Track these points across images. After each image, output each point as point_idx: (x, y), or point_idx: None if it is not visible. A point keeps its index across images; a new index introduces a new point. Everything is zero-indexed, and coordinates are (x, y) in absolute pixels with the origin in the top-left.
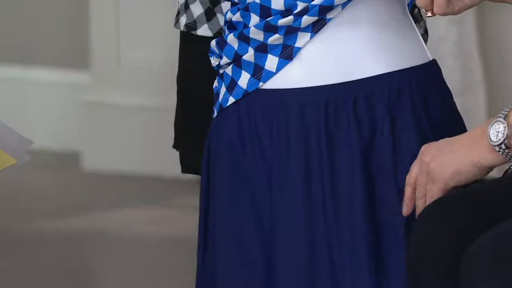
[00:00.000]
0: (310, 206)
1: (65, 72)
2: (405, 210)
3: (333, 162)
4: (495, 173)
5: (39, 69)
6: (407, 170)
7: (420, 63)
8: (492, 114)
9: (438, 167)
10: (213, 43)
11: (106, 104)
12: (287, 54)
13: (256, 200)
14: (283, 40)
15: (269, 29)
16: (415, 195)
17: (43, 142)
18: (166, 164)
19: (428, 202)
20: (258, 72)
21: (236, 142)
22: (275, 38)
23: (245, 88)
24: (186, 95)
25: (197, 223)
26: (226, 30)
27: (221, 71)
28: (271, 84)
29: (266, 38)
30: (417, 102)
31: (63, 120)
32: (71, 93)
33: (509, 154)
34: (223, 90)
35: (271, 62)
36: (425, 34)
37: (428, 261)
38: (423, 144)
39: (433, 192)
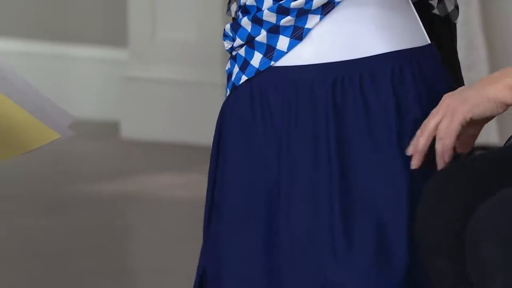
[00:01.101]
0: (317, 177)
1: (105, 49)
2: (416, 161)
3: (340, 132)
4: (497, 141)
5: (82, 46)
6: (410, 137)
7: (420, 45)
8: None
9: (457, 102)
10: (227, 27)
11: (142, 79)
12: (298, 34)
13: (265, 170)
14: (294, 22)
15: (282, 11)
16: (427, 146)
17: (86, 113)
18: (197, 133)
19: (447, 139)
20: (270, 52)
21: (248, 116)
22: (287, 20)
23: (257, 67)
24: None
25: None
26: (240, 14)
27: (234, 53)
28: (282, 62)
29: (278, 20)
30: (418, 79)
31: (104, 93)
32: (111, 68)
33: None
34: (236, 70)
35: (282, 42)
36: (455, 10)
37: (435, 227)
38: (423, 115)
39: (453, 126)
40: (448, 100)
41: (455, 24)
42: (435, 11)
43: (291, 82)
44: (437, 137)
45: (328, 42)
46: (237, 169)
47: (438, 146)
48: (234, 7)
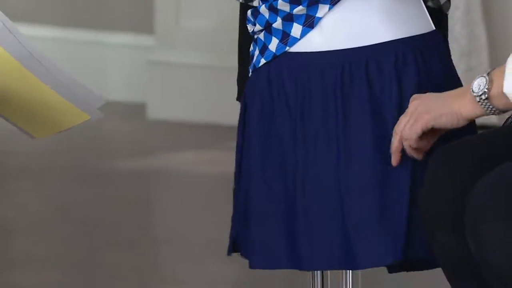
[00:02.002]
0: (327, 147)
1: (133, 36)
2: (394, 160)
3: (347, 113)
4: (496, 121)
5: (112, 33)
6: None
7: (424, 32)
8: None
9: (423, 109)
10: (249, 12)
11: (167, 63)
12: (309, 23)
13: (279, 146)
14: (306, 11)
15: (294, 1)
16: (401, 145)
17: (115, 95)
18: (218, 113)
19: (407, 140)
20: (285, 38)
21: (266, 96)
22: (299, 9)
23: (274, 51)
24: (246, 58)
25: None
26: (260, 1)
27: (255, 36)
28: (296, 48)
29: (291, 9)
30: (421, 66)
31: (132, 77)
32: (138, 54)
33: (488, 105)
34: (256, 53)
35: (296, 29)
36: (447, 2)
37: (438, 203)
38: None
39: (414, 129)
40: (416, 103)
41: (446, 15)
42: (429, 3)
43: (303, 67)
44: (401, 137)
45: (336, 31)
46: (256, 143)
47: (405, 145)
48: None
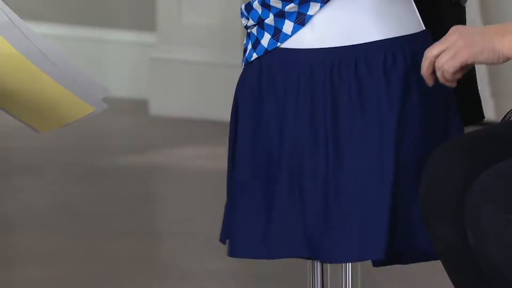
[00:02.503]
0: (315, 144)
1: (136, 33)
2: (430, 81)
3: (335, 110)
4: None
5: (115, 31)
6: (399, 116)
7: (413, 32)
8: (491, 68)
9: (464, 43)
10: (243, 6)
11: (169, 60)
12: (301, 20)
13: (267, 140)
14: (298, 9)
15: None
16: (432, 67)
17: (118, 91)
18: (219, 110)
19: (444, 72)
20: (277, 34)
21: (256, 90)
22: (291, 7)
23: (266, 46)
24: None
25: None
26: None
27: (248, 30)
28: (287, 44)
29: (283, 6)
30: (409, 66)
31: (134, 73)
32: (141, 50)
33: None
34: (249, 47)
35: (287, 26)
36: None
37: (437, 197)
38: (407, 100)
39: (454, 63)
40: (457, 36)
41: (464, 8)
42: None
43: (293, 63)
44: (436, 67)
45: (327, 29)
46: (247, 137)
47: (438, 74)
48: None
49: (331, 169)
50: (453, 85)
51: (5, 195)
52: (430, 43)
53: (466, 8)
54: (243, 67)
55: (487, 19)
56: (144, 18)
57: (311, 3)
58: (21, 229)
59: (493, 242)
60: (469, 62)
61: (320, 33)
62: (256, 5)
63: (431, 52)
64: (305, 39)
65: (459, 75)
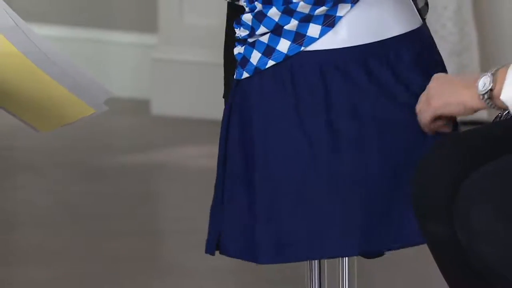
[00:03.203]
0: (362, 157)
1: (137, 35)
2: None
3: (375, 108)
4: (486, 117)
5: (117, 32)
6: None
7: (420, 25)
8: (484, 70)
9: (434, 95)
10: (248, 16)
11: (171, 61)
12: (329, 22)
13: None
14: (326, 11)
15: (318, 2)
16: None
17: (121, 92)
18: (220, 109)
19: (421, 123)
20: (300, 38)
21: (276, 98)
22: (321, 10)
23: (286, 52)
24: (233, 57)
25: None
26: (259, 4)
27: (251, 40)
28: (312, 47)
29: (312, 10)
30: (426, 56)
31: (136, 74)
32: (143, 51)
33: (491, 103)
34: (256, 55)
35: (313, 29)
36: (425, 6)
37: (429, 195)
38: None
39: (425, 115)
40: (432, 86)
41: (424, 20)
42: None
43: (324, 64)
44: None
45: (355, 27)
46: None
47: (421, 125)
48: None
49: (376, 169)
50: (446, 130)
51: (6, 194)
52: (430, 34)
53: (459, 9)
54: (243, 75)
55: (480, 22)
56: (145, 20)
57: (340, 4)
58: (22, 228)
59: (483, 241)
60: (438, 114)
61: (348, 32)
62: (272, 12)
63: (417, 106)
64: (333, 39)
65: (440, 124)
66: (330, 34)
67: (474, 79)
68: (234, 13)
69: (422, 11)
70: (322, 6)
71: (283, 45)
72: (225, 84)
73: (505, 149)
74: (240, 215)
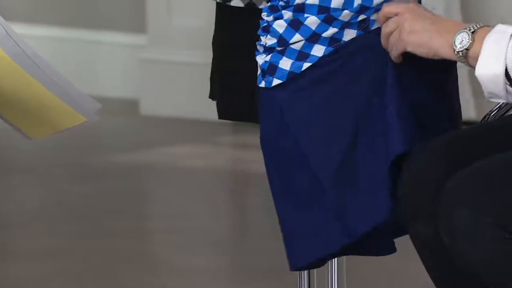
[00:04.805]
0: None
1: (126, 35)
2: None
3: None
4: (474, 117)
5: (106, 33)
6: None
7: None
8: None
9: (408, 31)
10: (280, 23)
11: (160, 61)
12: (364, 27)
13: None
14: (365, 15)
15: (362, 10)
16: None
17: (109, 91)
18: (208, 109)
19: (392, 56)
20: (335, 43)
21: (323, 98)
22: (361, 17)
23: (320, 55)
24: (221, 58)
25: (233, 157)
26: (290, 12)
27: (279, 48)
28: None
29: (354, 18)
30: None
31: (125, 74)
32: (131, 52)
33: (463, 60)
34: (286, 62)
35: (349, 34)
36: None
37: (415, 195)
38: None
39: (396, 48)
40: (406, 17)
41: None
42: None
43: (376, 44)
44: (389, 44)
45: None
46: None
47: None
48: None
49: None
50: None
51: (1, 194)
52: None
53: (447, 10)
54: (273, 83)
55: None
56: (134, 20)
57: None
58: (15, 227)
59: (466, 241)
60: (408, 50)
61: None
62: (311, 21)
63: (385, 28)
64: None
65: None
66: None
67: (449, 28)
68: (224, 15)
69: None
70: (362, 14)
71: (318, 50)
72: (211, 85)
73: (491, 150)
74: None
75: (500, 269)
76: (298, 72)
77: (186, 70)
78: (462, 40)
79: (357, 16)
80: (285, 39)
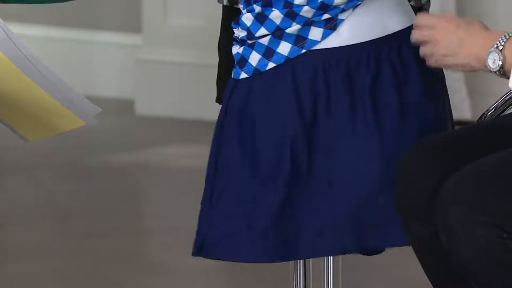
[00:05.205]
0: (359, 141)
1: (122, 35)
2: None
3: (377, 105)
4: (470, 117)
5: (102, 33)
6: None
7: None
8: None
9: (441, 49)
10: (248, 16)
11: (155, 61)
12: (332, 25)
13: (293, 141)
14: (329, 15)
15: (322, 8)
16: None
17: (104, 91)
18: (203, 110)
19: (428, 63)
20: (301, 41)
21: (277, 96)
22: (326, 16)
23: (286, 55)
24: (228, 62)
25: None
26: (258, 7)
27: (250, 41)
28: (314, 47)
29: (315, 15)
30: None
31: (121, 74)
32: (127, 52)
33: (502, 77)
34: (255, 57)
35: (315, 32)
36: (428, 1)
37: (412, 196)
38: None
39: (430, 60)
40: (437, 38)
41: (428, 11)
42: (412, 2)
43: (327, 62)
44: (420, 53)
45: (358, 26)
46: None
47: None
48: None
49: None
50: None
51: None
52: None
53: (442, 11)
54: (240, 75)
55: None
56: (130, 21)
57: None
58: (10, 227)
59: (464, 242)
60: (440, 64)
61: (352, 32)
62: (275, 15)
63: (418, 36)
64: (336, 39)
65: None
66: (332, 35)
67: (478, 46)
68: (231, 15)
69: (426, 6)
70: (325, 13)
71: (284, 48)
72: (218, 89)
73: (487, 150)
74: (232, 214)
75: (496, 269)
76: (263, 71)
77: (181, 70)
78: (494, 60)
79: (321, 14)
80: (252, 33)
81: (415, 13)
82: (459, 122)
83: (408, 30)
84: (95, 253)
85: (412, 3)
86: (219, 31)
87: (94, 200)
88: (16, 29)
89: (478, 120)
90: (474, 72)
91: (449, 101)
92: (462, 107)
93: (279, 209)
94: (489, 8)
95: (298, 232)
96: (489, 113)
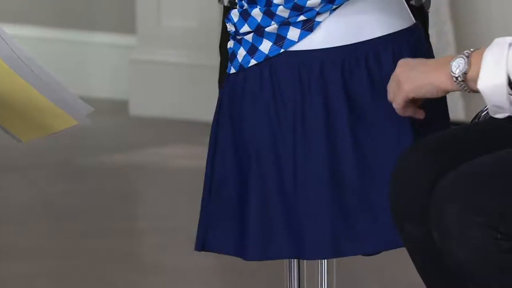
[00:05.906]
0: (333, 146)
1: (116, 36)
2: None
3: (350, 107)
4: (464, 118)
5: (96, 33)
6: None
7: (410, 25)
8: None
9: (405, 79)
10: (234, 12)
11: (149, 62)
12: (309, 27)
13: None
14: (305, 16)
15: (296, 9)
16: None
17: (99, 92)
18: (197, 110)
19: (395, 106)
20: (280, 41)
21: (257, 93)
22: (302, 18)
23: (266, 53)
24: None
25: None
26: (245, 4)
27: (238, 37)
28: (293, 48)
29: (290, 16)
30: (412, 55)
31: (115, 75)
32: (121, 53)
33: (464, 86)
34: (242, 52)
35: (293, 33)
36: (428, 1)
37: (405, 196)
38: None
39: (398, 99)
40: (399, 71)
41: (427, 13)
42: (412, 2)
43: (302, 64)
44: (389, 99)
45: (335, 30)
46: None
47: (395, 109)
48: None
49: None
50: (420, 116)
51: None
52: (423, 34)
53: (437, 10)
54: (230, 70)
55: (457, 22)
56: (124, 21)
57: (319, 10)
58: (4, 226)
59: (458, 242)
60: (411, 96)
61: (328, 34)
62: (256, 12)
63: (388, 95)
64: (312, 42)
65: (412, 108)
66: (309, 37)
67: (445, 61)
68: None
69: (425, 5)
70: (300, 13)
71: (265, 46)
72: (220, 87)
73: (481, 151)
74: (229, 211)
75: (490, 269)
76: (246, 67)
77: (175, 70)
78: (458, 65)
79: (296, 15)
80: (237, 29)
81: (415, 13)
82: (452, 123)
83: (388, 37)
84: (89, 253)
85: (412, 2)
86: (213, 31)
87: (89, 200)
88: (10, 29)
89: (472, 120)
90: (437, 97)
91: (445, 103)
92: (455, 108)
93: (273, 207)
94: (483, 7)
95: (299, 231)
96: (482, 114)
